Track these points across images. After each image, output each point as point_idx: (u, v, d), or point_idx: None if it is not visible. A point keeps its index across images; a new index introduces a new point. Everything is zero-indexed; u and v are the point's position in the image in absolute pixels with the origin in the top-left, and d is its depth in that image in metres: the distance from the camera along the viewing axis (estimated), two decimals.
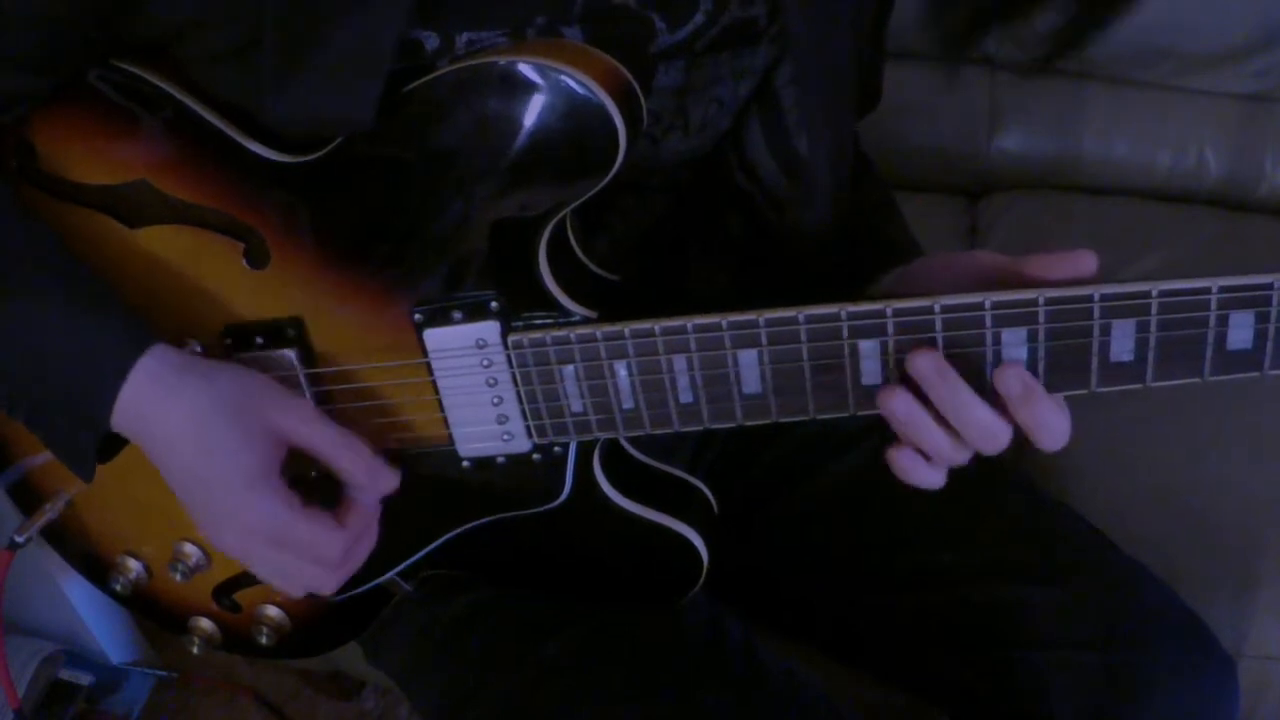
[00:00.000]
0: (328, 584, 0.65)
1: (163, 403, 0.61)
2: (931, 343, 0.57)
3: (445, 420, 0.67)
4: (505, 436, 0.67)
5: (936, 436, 0.58)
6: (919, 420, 0.58)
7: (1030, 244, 1.26)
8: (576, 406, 0.64)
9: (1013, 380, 0.56)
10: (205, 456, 0.61)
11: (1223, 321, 0.53)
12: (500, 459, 0.68)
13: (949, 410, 0.57)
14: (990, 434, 0.58)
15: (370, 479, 0.64)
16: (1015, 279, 0.59)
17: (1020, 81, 1.35)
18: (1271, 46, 1.25)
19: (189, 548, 0.77)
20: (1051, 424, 0.57)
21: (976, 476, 0.81)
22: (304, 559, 0.63)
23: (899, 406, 0.58)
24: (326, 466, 0.64)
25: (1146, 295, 0.54)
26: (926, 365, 0.57)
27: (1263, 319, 0.53)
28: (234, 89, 0.62)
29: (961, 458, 0.60)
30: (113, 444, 0.64)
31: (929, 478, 0.61)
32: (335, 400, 0.68)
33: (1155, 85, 1.32)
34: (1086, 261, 0.57)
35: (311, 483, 0.65)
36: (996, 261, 0.61)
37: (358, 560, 0.66)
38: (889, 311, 0.57)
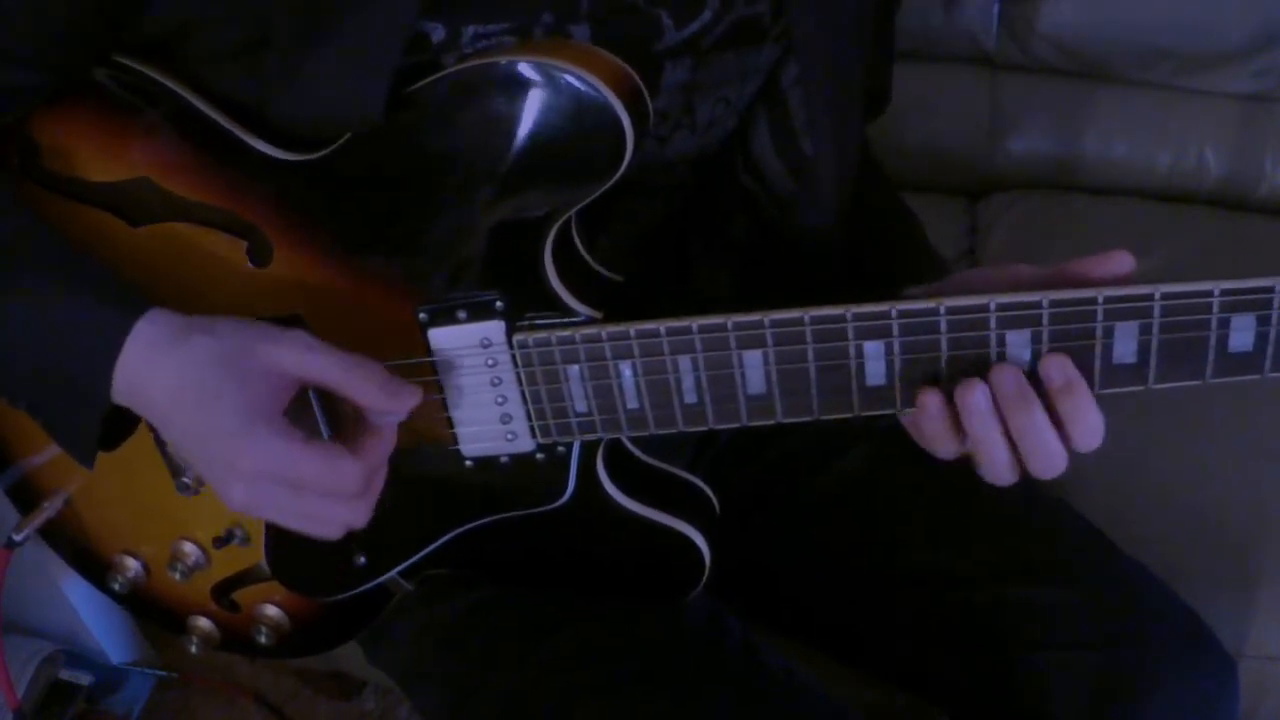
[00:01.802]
0: (356, 516, 0.61)
1: (158, 365, 0.59)
2: (936, 344, 0.57)
3: (449, 420, 0.67)
4: (509, 436, 0.67)
5: (1000, 449, 0.59)
6: (989, 424, 0.58)
7: (1030, 244, 1.27)
8: (581, 406, 0.64)
9: (1055, 371, 0.56)
10: (203, 409, 0.58)
11: (1224, 324, 0.54)
12: (504, 459, 0.68)
13: (1022, 431, 0.58)
14: (1054, 459, 0.58)
15: (388, 398, 0.60)
16: (1058, 282, 0.58)
17: (1020, 81, 1.35)
18: (1271, 46, 1.25)
19: (188, 546, 0.77)
20: (1090, 420, 0.57)
21: (977, 476, 0.82)
22: (322, 495, 0.59)
23: (979, 400, 0.57)
24: (339, 396, 0.60)
25: (1149, 298, 0.54)
26: (1009, 382, 0.57)
27: (1264, 322, 0.53)
28: (240, 87, 0.62)
29: (1006, 477, 0.60)
30: (115, 431, 0.64)
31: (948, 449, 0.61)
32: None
33: (1155, 85, 1.32)
34: (1122, 260, 0.57)
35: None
36: (1037, 274, 0.61)
37: (379, 488, 0.62)
38: (894, 313, 0.57)
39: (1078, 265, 0.58)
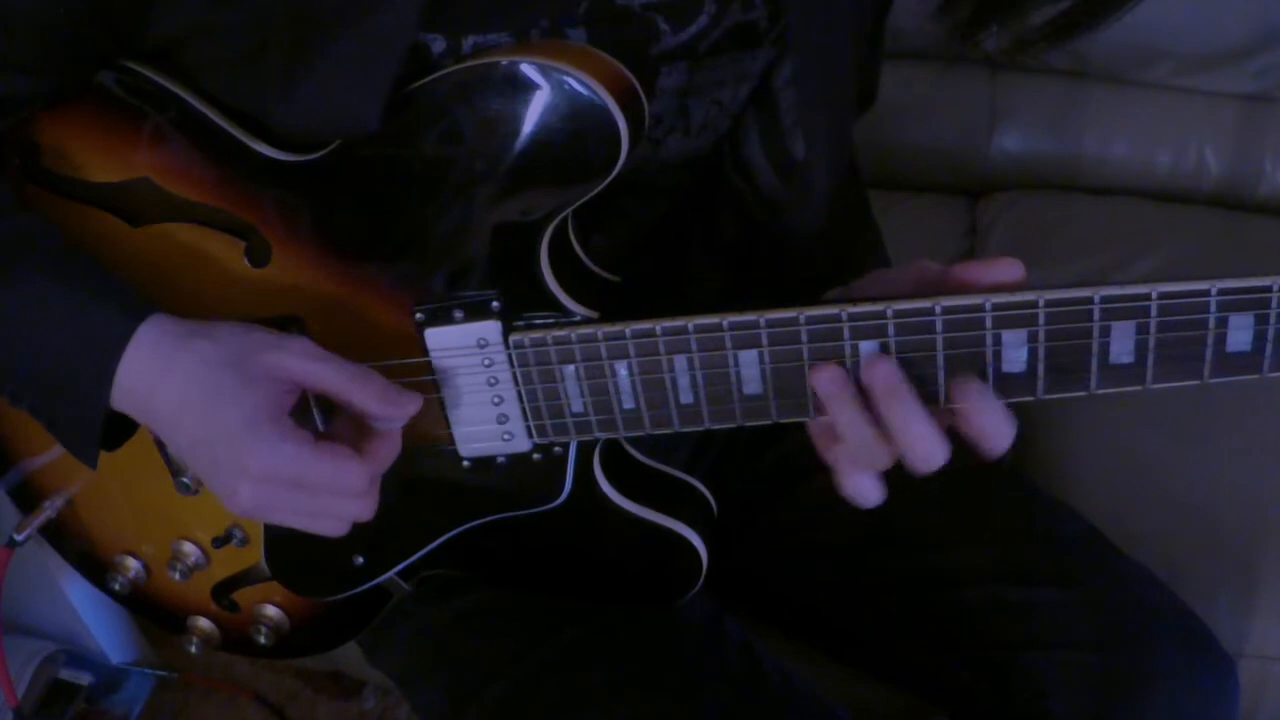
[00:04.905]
0: (363, 511, 0.62)
1: (162, 371, 0.60)
2: (932, 344, 0.57)
3: (446, 420, 0.67)
4: (505, 436, 0.67)
5: (866, 435, 0.58)
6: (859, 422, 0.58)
7: (1030, 244, 1.27)
8: (577, 406, 0.64)
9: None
10: (206, 413, 0.59)
11: (1222, 324, 0.53)
12: (500, 459, 0.68)
13: (893, 424, 0.57)
14: (928, 453, 0.57)
15: (387, 406, 0.61)
16: (951, 284, 0.58)
17: (1020, 81, 1.35)
18: (1271, 46, 1.25)
19: (188, 547, 0.77)
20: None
21: (976, 477, 0.82)
22: (328, 494, 0.60)
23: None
24: (339, 403, 0.61)
25: (1146, 297, 0.53)
26: (883, 374, 0.57)
27: (1261, 321, 0.53)
28: (240, 94, 0.62)
29: (878, 461, 0.59)
30: (118, 431, 0.64)
31: (871, 494, 0.61)
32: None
33: (1155, 85, 1.32)
34: (1010, 268, 0.57)
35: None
36: (933, 269, 0.61)
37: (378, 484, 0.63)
38: (889, 312, 0.56)
39: (965, 270, 0.57)
